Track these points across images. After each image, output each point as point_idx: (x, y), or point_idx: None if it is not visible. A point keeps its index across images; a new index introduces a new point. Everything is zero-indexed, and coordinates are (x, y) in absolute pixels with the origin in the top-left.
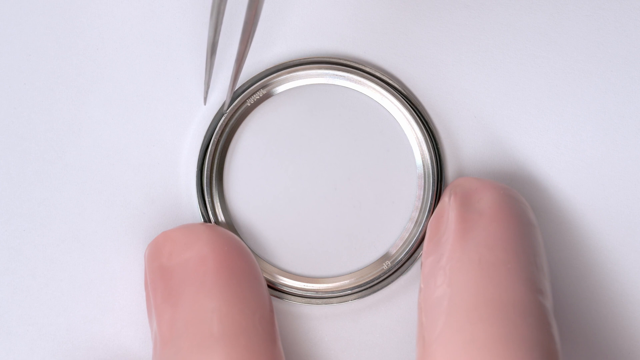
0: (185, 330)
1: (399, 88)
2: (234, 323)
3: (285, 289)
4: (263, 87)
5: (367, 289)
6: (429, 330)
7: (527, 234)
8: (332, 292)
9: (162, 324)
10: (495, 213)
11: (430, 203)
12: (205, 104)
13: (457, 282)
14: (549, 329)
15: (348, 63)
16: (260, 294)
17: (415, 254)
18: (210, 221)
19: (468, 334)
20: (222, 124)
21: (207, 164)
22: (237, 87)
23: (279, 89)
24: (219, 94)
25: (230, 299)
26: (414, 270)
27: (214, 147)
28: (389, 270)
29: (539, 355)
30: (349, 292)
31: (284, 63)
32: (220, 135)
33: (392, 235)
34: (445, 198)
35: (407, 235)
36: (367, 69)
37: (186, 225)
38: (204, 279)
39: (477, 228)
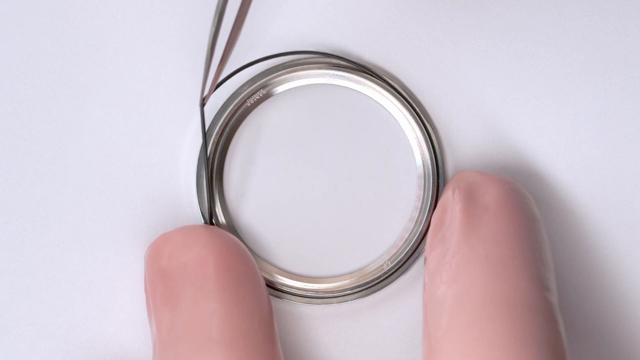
0: (185, 333)
1: (399, 88)
2: (233, 325)
3: (285, 288)
4: (263, 87)
5: (367, 289)
6: (434, 328)
7: (532, 229)
8: (332, 292)
9: (161, 327)
10: (501, 208)
11: (430, 203)
12: (202, 104)
13: (463, 278)
14: (556, 326)
15: (348, 63)
16: (259, 296)
17: (415, 254)
18: (209, 221)
19: (476, 332)
20: (222, 124)
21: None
22: (220, 78)
23: (279, 89)
24: (216, 95)
25: (229, 302)
26: (415, 270)
27: (214, 147)
28: (389, 270)
29: (547, 353)
30: (349, 292)
31: (284, 63)
32: (220, 135)
33: (392, 235)
34: (448, 192)
35: (408, 235)
36: (367, 69)
37: (186, 227)
38: (203, 281)
39: (483, 223)
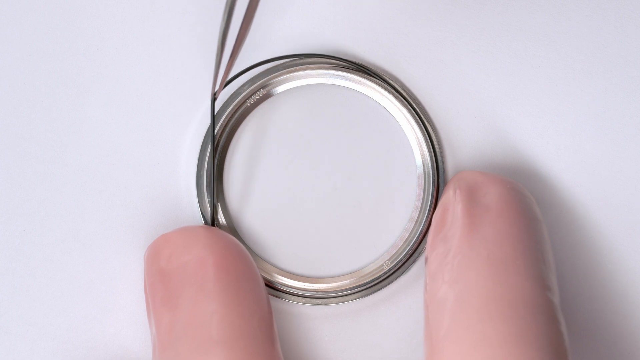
0: (184, 333)
1: (399, 88)
2: (233, 326)
3: (285, 289)
4: (263, 87)
5: (367, 289)
6: (436, 328)
7: (533, 229)
8: (332, 292)
9: (160, 327)
10: (502, 208)
11: (430, 203)
12: (213, 98)
13: (465, 278)
14: (558, 327)
15: (348, 63)
16: (259, 296)
17: (415, 254)
18: (209, 221)
19: (479, 332)
20: (222, 124)
21: (207, 164)
22: (231, 75)
23: (279, 89)
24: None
25: (229, 302)
26: (415, 270)
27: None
28: (389, 270)
29: (550, 353)
30: (349, 292)
31: (284, 63)
32: (220, 135)
33: (392, 235)
34: (449, 191)
35: (407, 235)
36: (367, 69)
37: (185, 227)
38: (202, 281)
39: (485, 223)
